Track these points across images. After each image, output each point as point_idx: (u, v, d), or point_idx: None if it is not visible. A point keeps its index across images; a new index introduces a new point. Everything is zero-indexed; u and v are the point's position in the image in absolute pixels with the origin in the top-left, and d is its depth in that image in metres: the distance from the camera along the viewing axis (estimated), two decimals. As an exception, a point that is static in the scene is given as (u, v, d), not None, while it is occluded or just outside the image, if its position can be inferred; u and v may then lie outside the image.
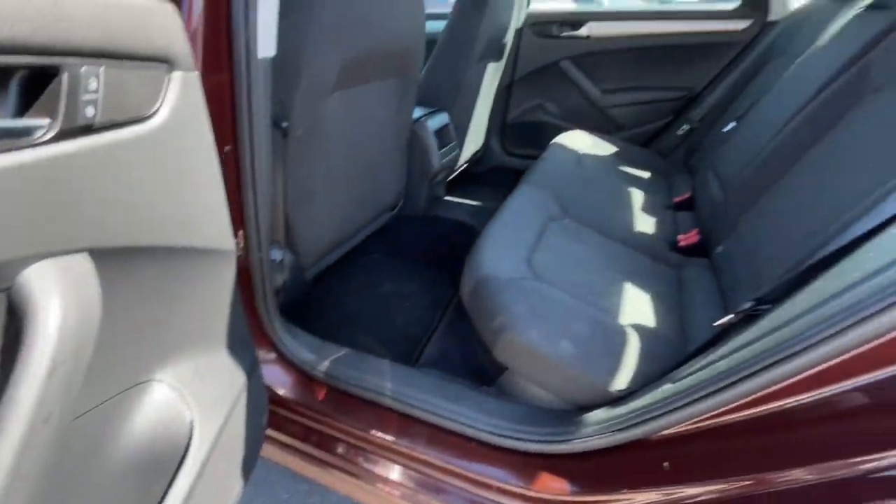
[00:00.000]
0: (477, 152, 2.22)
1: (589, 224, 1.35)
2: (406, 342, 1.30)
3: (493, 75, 2.02)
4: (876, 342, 0.54)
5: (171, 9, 0.47)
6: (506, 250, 1.08)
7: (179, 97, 0.48)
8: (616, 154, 1.96)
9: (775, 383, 0.59)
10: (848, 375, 0.57)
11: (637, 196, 1.63)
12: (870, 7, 1.29)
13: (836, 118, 1.02)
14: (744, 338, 0.66)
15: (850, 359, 0.56)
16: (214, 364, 0.66)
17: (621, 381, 0.83)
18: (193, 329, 0.62)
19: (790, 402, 0.61)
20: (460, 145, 1.90)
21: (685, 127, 2.04)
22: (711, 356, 0.68)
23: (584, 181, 1.62)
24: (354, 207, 1.33)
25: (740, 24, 1.93)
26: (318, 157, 1.10)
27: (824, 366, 0.57)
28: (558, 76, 2.23)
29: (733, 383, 0.61)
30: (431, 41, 1.71)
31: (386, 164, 1.45)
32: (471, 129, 1.98)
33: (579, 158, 1.82)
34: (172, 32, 0.47)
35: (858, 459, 0.58)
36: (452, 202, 2.06)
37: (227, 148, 0.74)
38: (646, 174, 1.86)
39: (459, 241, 1.60)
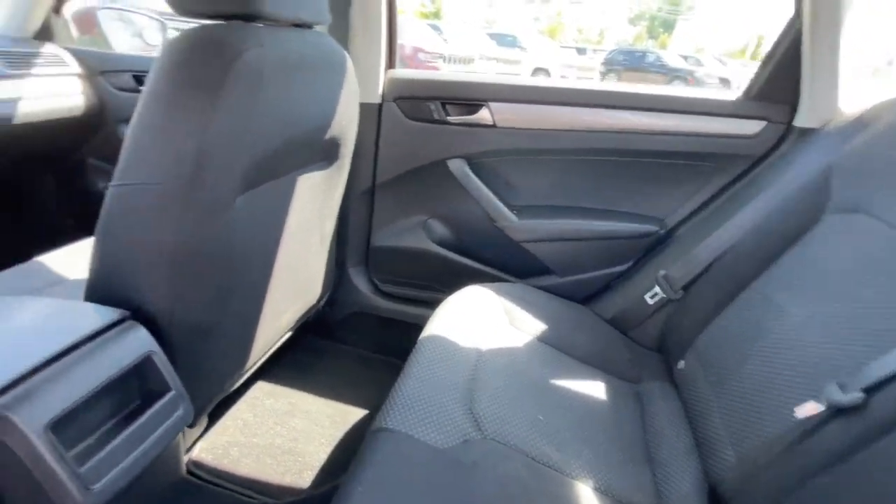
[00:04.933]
0: (322, 295, 1.26)
1: None
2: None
3: (324, 183, 1.06)
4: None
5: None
6: None
7: None
8: (547, 335, 1.05)
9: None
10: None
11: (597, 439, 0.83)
12: None
13: None
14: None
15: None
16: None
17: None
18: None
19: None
20: None
21: (657, 292, 1.19)
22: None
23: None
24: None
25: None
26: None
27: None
28: (447, 180, 1.35)
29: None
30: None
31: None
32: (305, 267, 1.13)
33: (479, 355, 0.91)
34: None
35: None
36: None
37: None
38: (598, 382, 0.97)
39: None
